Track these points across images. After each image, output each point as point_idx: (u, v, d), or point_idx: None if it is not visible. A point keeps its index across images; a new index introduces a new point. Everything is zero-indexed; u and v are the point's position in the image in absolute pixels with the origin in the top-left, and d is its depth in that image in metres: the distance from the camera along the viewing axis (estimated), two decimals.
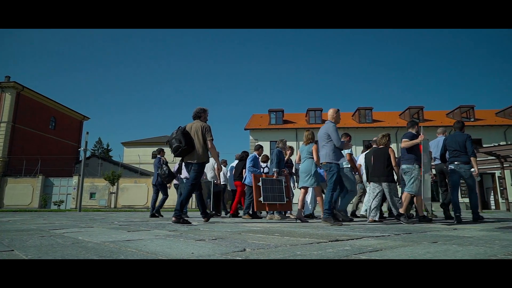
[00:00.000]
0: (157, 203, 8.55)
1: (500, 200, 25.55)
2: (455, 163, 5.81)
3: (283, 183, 7.04)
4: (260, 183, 6.70)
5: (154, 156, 7.79)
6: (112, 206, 29.52)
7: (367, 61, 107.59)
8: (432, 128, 29.44)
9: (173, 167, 8.97)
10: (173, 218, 5.10)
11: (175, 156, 5.52)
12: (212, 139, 5.53)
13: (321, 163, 5.49)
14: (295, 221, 6.30)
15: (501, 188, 23.88)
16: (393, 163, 6.04)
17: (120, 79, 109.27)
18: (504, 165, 18.33)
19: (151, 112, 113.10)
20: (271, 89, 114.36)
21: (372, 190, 6.25)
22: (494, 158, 17.62)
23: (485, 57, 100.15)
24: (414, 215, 6.91)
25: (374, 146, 6.90)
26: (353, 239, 2.79)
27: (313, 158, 6.04)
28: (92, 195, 30.13)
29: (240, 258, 1.78)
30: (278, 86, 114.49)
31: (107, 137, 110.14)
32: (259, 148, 8.20)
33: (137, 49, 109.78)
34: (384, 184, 5.99)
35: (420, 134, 6.00)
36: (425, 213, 6.01)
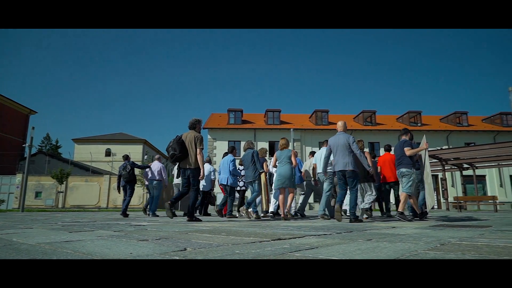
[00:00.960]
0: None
1: (442, 200, 27.41)
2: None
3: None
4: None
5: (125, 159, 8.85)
6: (60, 206, 28.03)
7: (324, 64, 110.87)
8: (384, 131, 30.95)
9: (145, 172, 9.52)
10: (187, 218, 6.00)
11: (172, 162, 6.25)
12: (202, 148, 6.19)
13: (344, 170, 5.86)
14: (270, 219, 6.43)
15: (443, 189, 25.65)
16: (370, 164, 6.54)
17: (70, 73, 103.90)
18: (446, 168, 19.69)
19: (104, 108, 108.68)
20: (231, 89, 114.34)
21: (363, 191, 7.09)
22: (437, 161, 18.88)
23: (432, 65, 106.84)
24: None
25: None
26: (295, 237, 2.89)
27: (291, 162, 6.74)
28: (37, 194, 28.41)
29: (178, 258, 1.79)
30: (238, 86, 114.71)
31: (56, 133, 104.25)
32: (233, 150, 8.27)
33: (89, 43, 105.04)
34: (364, 184, 6.92)
35: (420, 141, 6.75)
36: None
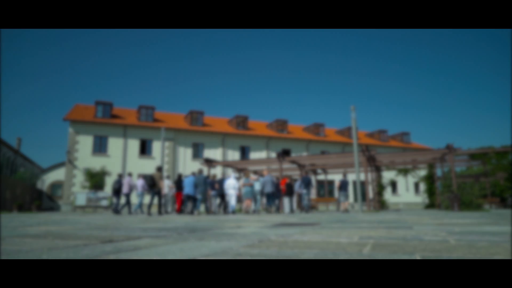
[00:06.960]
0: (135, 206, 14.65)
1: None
2: (305, 190, 14.28)
3: None
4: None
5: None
6: None
7: (200, 66, 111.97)
8: (254, 136, 32.79)
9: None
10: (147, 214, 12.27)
11: (149, 186, 12.38)
12: (162, 181, 13.13)
13: (270, 191, 13.66)
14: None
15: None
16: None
17: None
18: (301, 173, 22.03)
19: None
20: (100, 79, 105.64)
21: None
22: (296, 166, 21.00)
23: (300, 78, 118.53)
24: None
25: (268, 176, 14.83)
26: (130, 239, 2.84)
27: (251, 186, 13.68)
28: None
29: None
30: (108, 77, 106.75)
31: None
32: (178, 175, 15.03)
33: None
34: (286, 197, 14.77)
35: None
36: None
